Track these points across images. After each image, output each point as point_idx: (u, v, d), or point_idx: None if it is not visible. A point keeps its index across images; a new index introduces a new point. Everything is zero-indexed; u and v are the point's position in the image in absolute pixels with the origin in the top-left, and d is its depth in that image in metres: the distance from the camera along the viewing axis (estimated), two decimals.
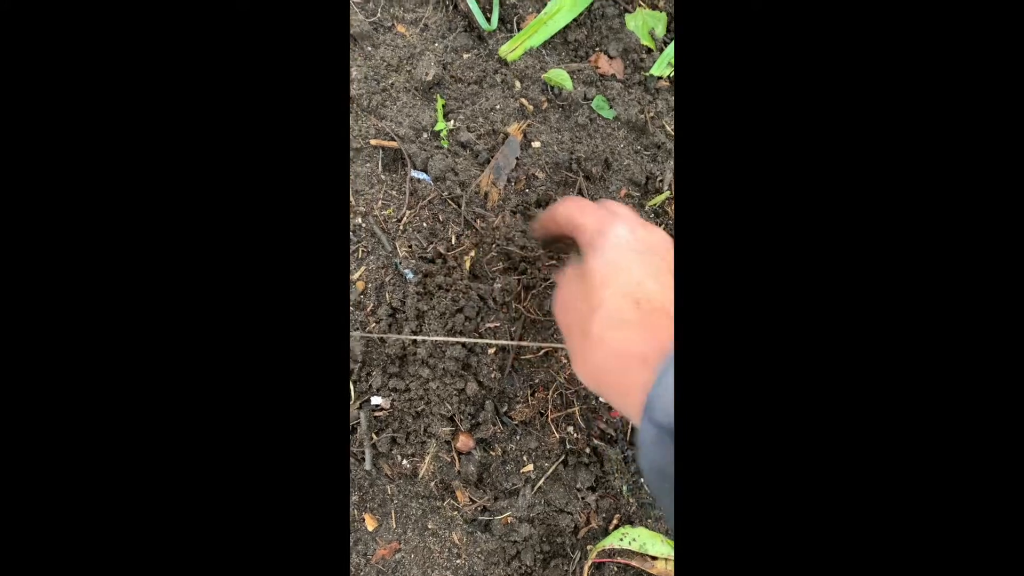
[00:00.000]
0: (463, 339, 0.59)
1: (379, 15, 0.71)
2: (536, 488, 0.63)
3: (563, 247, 0.60)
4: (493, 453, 0.62)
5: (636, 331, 0.37)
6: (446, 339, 0.59)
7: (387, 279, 0.63)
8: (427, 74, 0.69)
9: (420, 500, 0.61)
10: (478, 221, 0.66)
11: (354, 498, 0.61)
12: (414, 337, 0.59)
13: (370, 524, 0.61)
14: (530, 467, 0.63)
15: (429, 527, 0.62)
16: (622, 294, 0.38)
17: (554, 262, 0.65)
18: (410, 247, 0.64)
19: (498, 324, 0.62)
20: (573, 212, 0.47)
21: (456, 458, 0.61)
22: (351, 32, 0.70)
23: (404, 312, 0.61)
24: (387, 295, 0.62)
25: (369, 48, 0.71)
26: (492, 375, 0.61)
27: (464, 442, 0.61)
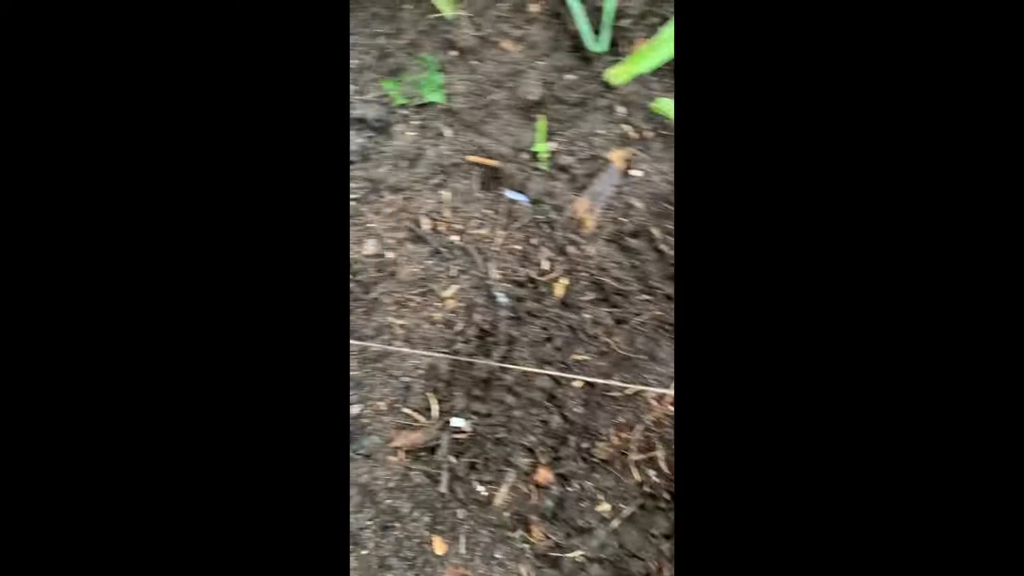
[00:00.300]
0: (550, 372, 0.58)
1: (486, 29, 0.71)
2: (610, 529, 0.61)
3: None
4: (570, 489, 0.60)
5: None
6: (535, 370, 0.57)
7: (478, 300, 0.62)
8: (530, 93, 0.68)
9: (492, 529, 0.60)
10: (571, 248, 0.64)
11: (426, 519, 0.60)
12: (502, 364, 0.58)
13: (439, 547, 0.60)
14: (606, 506, 0.61)
15: (497, 556, 0.60)
16: None
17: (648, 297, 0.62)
18: (503, 270, 0.63)
19: (587, 357, 0.60)
20: None
21: (534, 491, 0.59)
22: (460, 45, 0.69)
23: (495, 336, 0.60)
24: (477, 316, 0.62)
25: (474, 62, 0.70)
26: (576, 409, 0.60)
27: (544, 476, 0.60)
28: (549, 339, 0.59)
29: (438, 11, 0.69)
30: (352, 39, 0.70)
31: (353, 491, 0.60)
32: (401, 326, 0.62)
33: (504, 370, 0.59)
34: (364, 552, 0.60)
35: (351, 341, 0.61)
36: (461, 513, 0.60)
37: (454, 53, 0.70)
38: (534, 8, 0.71)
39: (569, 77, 0.70)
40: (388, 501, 0.60)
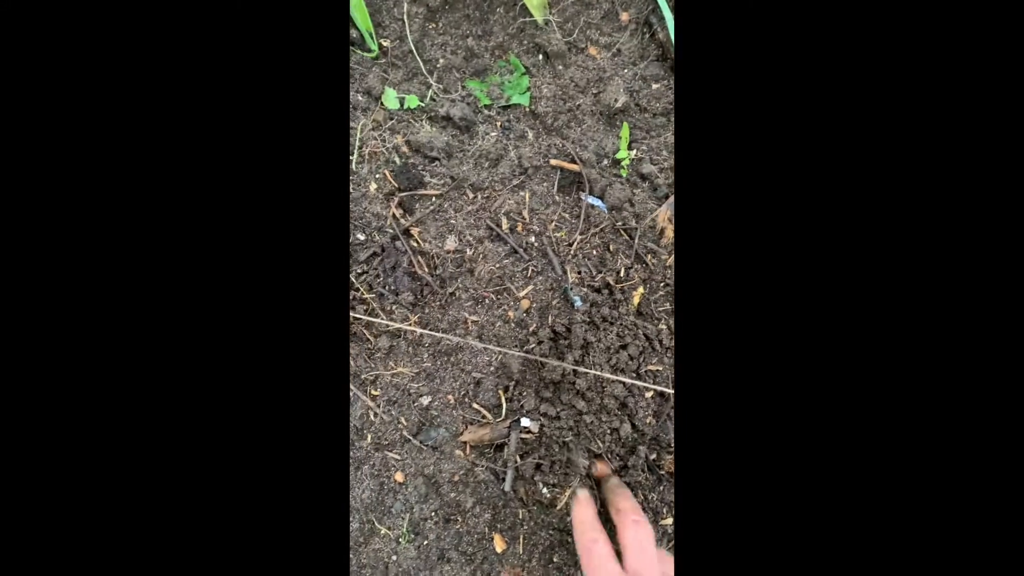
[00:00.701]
0: (623, 379, 0.58)
1: (575, 35, 0.71)
2: (670, 544, 0.60)
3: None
4: (636, 499, 0.59)
5: None
6: (609, 376, 0.57)
7: (553, 302, 0.62)
8: (616, 100, 0.68)
9: (551, 531, 0.60)
10: (649, 257, 0.64)
11: (487, 516, 0.60)
12: (575, 367, 0.58)
13: (499, 545, 0.60)
14: (669, 520, 0.60)
15: (555, 560, 0.60)
16: None
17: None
18: (579, 273, 0.63)
19: (661, 368, 0.60)
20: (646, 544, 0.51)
21: (596, 499, 0.59)
22: (548, 50, 0.70)
23: (568, 339, 0.60)
24: (551, 318, 0.62)
25: (560, 67, 0.71)
26: (647, 419, 0.59)
27: (602, 469, 0.59)
28: (624, 346, 0.59)
29: (529, 15, 0.70)
30: (441, 39, 0.72)
31: (419, 481, 0.61)
32: (475, 322, 0.63)
33: (576, 374, 0.58)
34: (425, 542, 0.60)
35: (423, 332, 0.62)
36: (522, 513, 0.60)
37: (541, 57, 0.71)
38: (624, 17, 0.71)
39: (655, 87, 0.70)
40: (452, 494, 0.60)
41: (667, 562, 0.51)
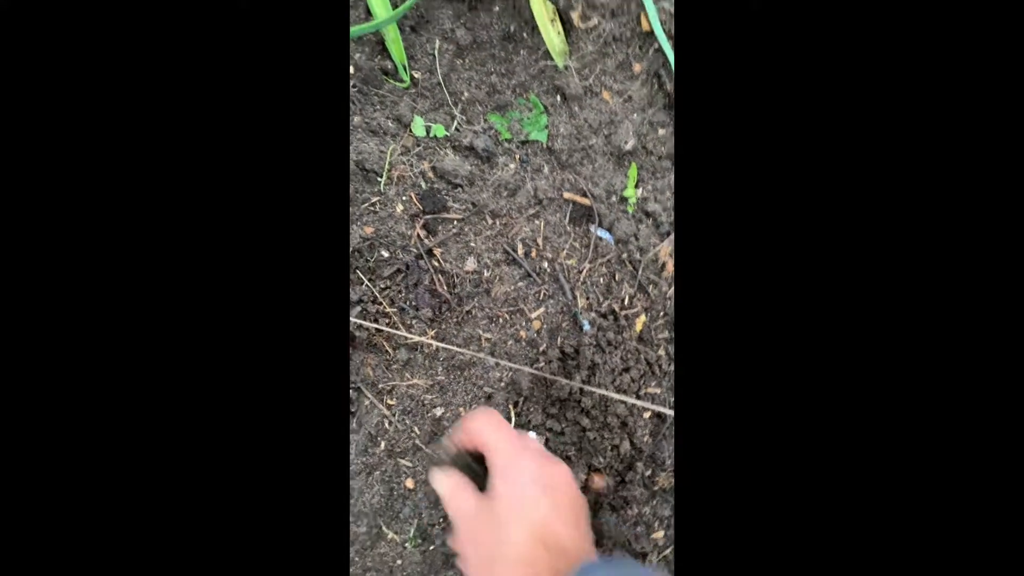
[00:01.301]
0: (627, 399, 0.63)
1: (591, 80, 0.77)
2: (661, 556, 0.64)
3: (470, 469, 0.50)
4: (630, 512, 0.64)
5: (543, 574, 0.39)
6: (614, 396, 0.62)
7: (563, 324, 0.67)
8: (625, 142, 0.74)
9: None
10: (651, 287, 0.69)
11: None
12: (581, 385, 0.63)
13: None
14: (660, 534, 0.64)
15: None
16: (529, 534, 0.39)
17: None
18: (588, 299, 0.68)
19: (659, 391, 0.65)
20: (486, 429, 0.46)
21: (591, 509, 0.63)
22: (565, 92, 0.76)
23: (576, 360, 0.64)
24: (560, 339, 0.67)
25: (576, 108, 0.77)
26: (645, 438, 0.64)
27: (598, 482, 0.63)
28: (627, 369, 0.64)
29: (550, 59, 0.76)
30: (467, 74, 0.77)
31: (429, 488, 0.64)
32: (488, 339, 0.67)
33: (583, 392, 0.63)
34: (431, 548, 0.63)
35: (440, 345, 0.66)
36: None
37: (559, 98, 0.77)
38: (637, 67, 0.78)
39: (661, 132, 0.77)
40: None
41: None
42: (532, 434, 0.64)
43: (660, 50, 0.76)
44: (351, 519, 0.64)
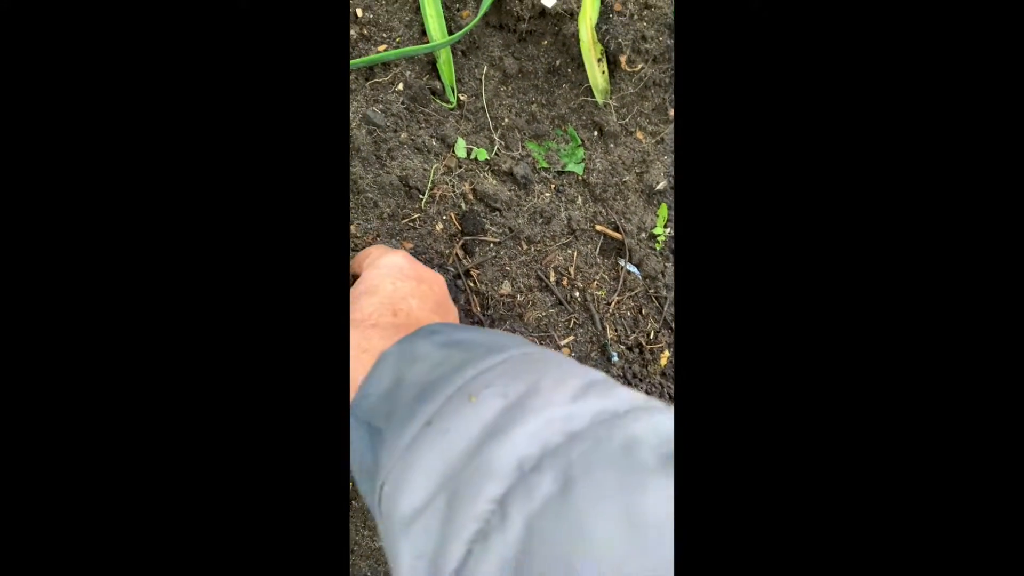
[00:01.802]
0: None
1: (628, 120, 0.81)
2: None
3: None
4: None
5: (381, 332, 0.37)
6: None
7: (591, 354, 0.69)
8: (657, 182, 0.78)
9: None
10: (675, 325, 0.72)
11: None
12: None
13: None
14: None
15: None
16: (381, 302, 0.40)
17: None
18: (616, 331, 0.70)
19: None
20: (369, 250, 0.51)
21: None
22: (603, 128, 0.79)
23: None
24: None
25: (611, 145, 0.80)
26: None
27: None
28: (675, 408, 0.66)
29: (591, 96, 0.79)
30: (509, 101, 0.80)
31: None
32: None
33: None
34: None
35: None
36: None
37: (596, 133, 0.80)
38: (672, 112, 0.81)
39: None
40: None
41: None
42: None
43: None
44: (368, 532, 0.64)
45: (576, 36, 0.80)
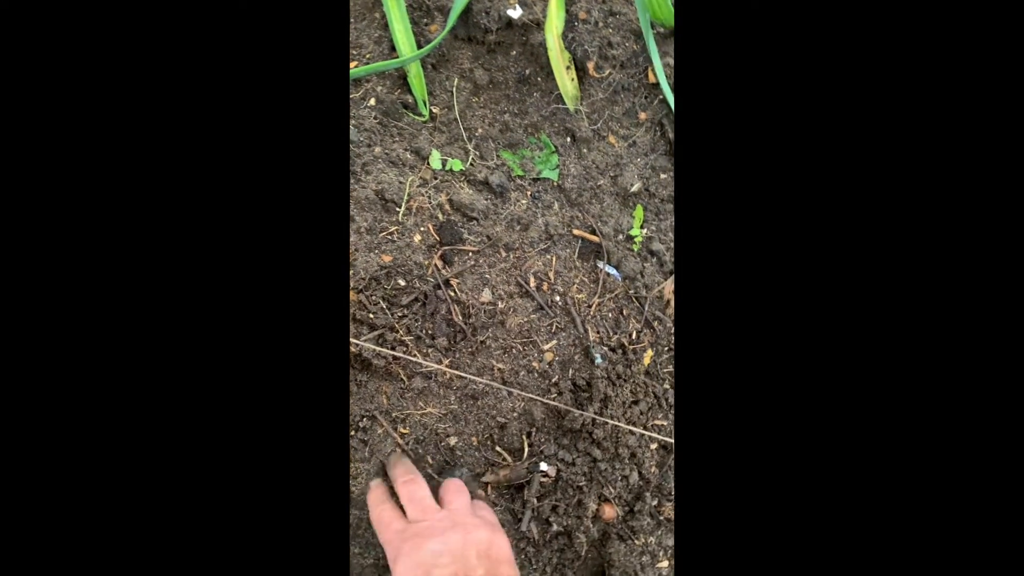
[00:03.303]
0: (641, 430, 0.65)
1: (599, 125, 0.82)
2: None
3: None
4: (637, 542, 0.66)
5: None
6: (626, 427, 0.64)
7: (575, 356, 0.70)
8: (631, 184, 0.79)
9: (562, 569, 0.65)
10: (656, 323, 0.73)
11: None
12: (593, 416, 0.65)
13: None
14: (665, 563, 0.66)
15: None
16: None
17: None
18: (598, 333, 0.71)
19: (665, 423, 0.68)
20: (451, 487, 0.59)
21: (601, 538, 0.65)
22: (576, 134, 0.80)
23: (589, 392, 0.66)
24: (571, 371, 0.69)
25: (584, 150, 0.81)
26: (652, 469, 0.66)
27: (608, 512, 0.65)
28: (636, 402, 0.67)
29: (562, 103, 0.80)
30: (481, 112, 0.80)
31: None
32: (501, 369, 0.69)
33: (595, 424, 0.65)
34: None
35: (453, 371, 0.67)
36: (533, 551, 0.65)
37: (569, 139, 0.81)
38: (642, 116, 0.83)
39: (663, 176, 0.82)
40: None
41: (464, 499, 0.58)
42: (544, 464, 0.65)
43: (664, 100, 0.82)
44: (359, 549, 0.63)
45: (544, 45, 0.81)
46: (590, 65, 0.78)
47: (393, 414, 0.66)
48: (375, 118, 0.74)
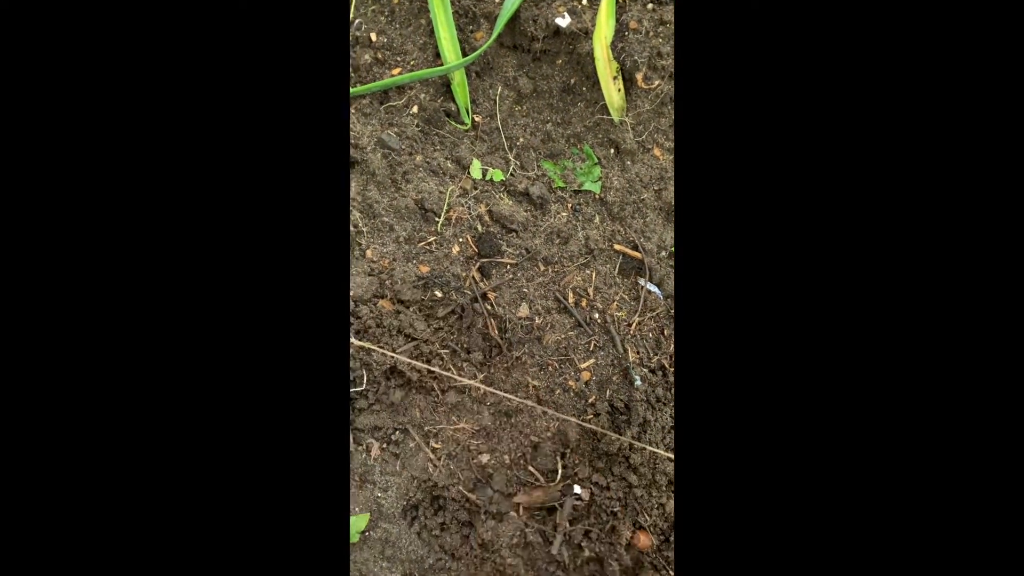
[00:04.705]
0: (671, 454, 0.62)
1: (644, 137, 0.80)
2: None
3: None
4: (672, 574, 0.63)
5: None
6: (659, 451, 0.62)
7: (613, 377, 0.67)
8: (675, 199, 0.76)
9: None
10: None
11: (531, 573, 0.62)
12: (631, 441, 0.63)
13: None
14: None
15: None
16: None
17: None
18: (638, 353, 0.69)
19: None
20: None
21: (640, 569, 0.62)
22: (620, 146, 0.78)
23: (627, 415, 0.64)
24: (609, 392, 0.67)
25: (628, 163, 0.78)
26: None
27: (643, 541, 0.63)
28: (676, 427, 0.64)
29: (607, 113, 0.78)
30: (523, 121, 0.79)
31: (471, 537, 0.63)
32: (535, 387, 0.67)
33: (632, 448, 0.63)
34: None
35: (487, 388, 0.66)
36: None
37: (613, 151, 0.79)
38: None
39: None
40: (504, 553, 0.62)
41: None
42: (577, 487, 0.63)
43: None
44: (386, 564, 0.62)
45: (591, 54, 0.79)
46: (639, 76, 0.75)
47: (426, 428, 0.65)
48: (417, 126, 0.73)
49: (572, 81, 0.79)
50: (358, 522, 0.61)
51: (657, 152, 0.81)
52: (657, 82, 0.77)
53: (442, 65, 0.74)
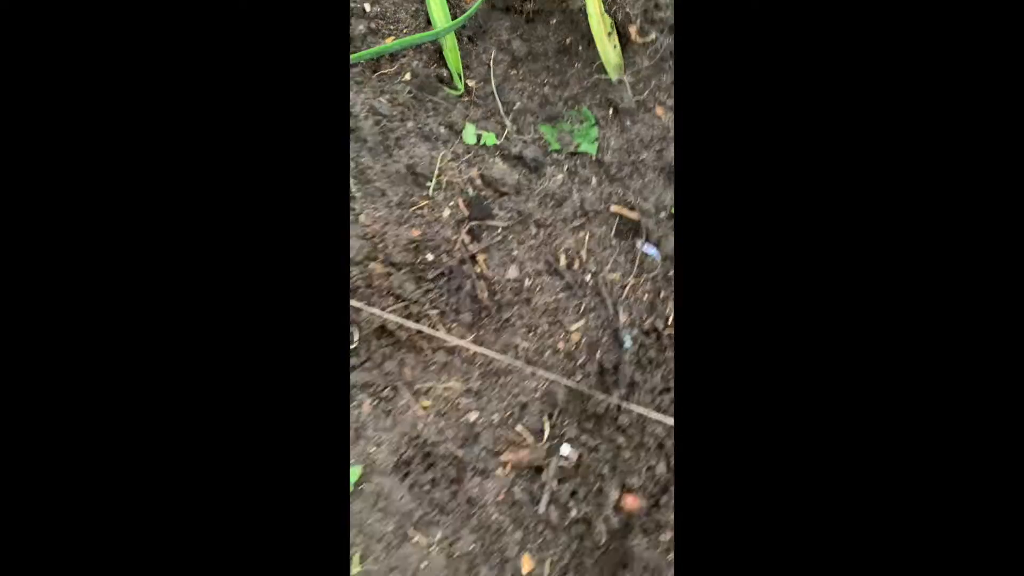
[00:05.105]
0: (662, 416, 0.61)
1: (645, 95, 0.77)
2: None
3: None
4: (662, 537, 0.62)
5: None
6: (654, 415, 0.60)
7: (603, 339, 0.66)
8: (676, 159, 0.73)
9: (578, 555, 0.62)
10: None
11: (517, 535, 0.63)
12: (618, 403, 0.61)
13: (526, 565, 0.62)
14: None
15: None
16: None
17: None
18: (630, 315, 0.67)
19: None
20: None
21: (624, 528, 0.62)
22: (618, 106, 0.75)
23: (616, 376, 0.63)
24: (599, 354, 0.66)
25: (628, 123, 0.76)
26: None
27: (631, 503, 0.62)
28: (667, 389, 0.63)
29: (604, 73, 0.76)
30: (520, 84, 0.78)
31: (459, 495, 0.64)
32: (524, 348, 0.67)
33: (620, 410, 0.62)
34: (457, 554, 0.63)
35: (476, 347, 0.66)
36: (552, 535, 0.63)
37: (611, 111, 0.77)
38: None
39: None
40: (490, 511, 0.63)
41: None
42: (566, 447, 0.63)
43: None
44: (380, 515, 0.65)
45: (584, 11, 0.77)
46: (632, 29, 0.73)
47: (416, 386, 0.66)
48: (409, 92, 0.74)
49: (568, 41, 0.77)
50: (352, 474, 0.64)
51: (659, 111, 0.78)
52: (654, 35, 0.74)
53: (432, 30, 0.75)
